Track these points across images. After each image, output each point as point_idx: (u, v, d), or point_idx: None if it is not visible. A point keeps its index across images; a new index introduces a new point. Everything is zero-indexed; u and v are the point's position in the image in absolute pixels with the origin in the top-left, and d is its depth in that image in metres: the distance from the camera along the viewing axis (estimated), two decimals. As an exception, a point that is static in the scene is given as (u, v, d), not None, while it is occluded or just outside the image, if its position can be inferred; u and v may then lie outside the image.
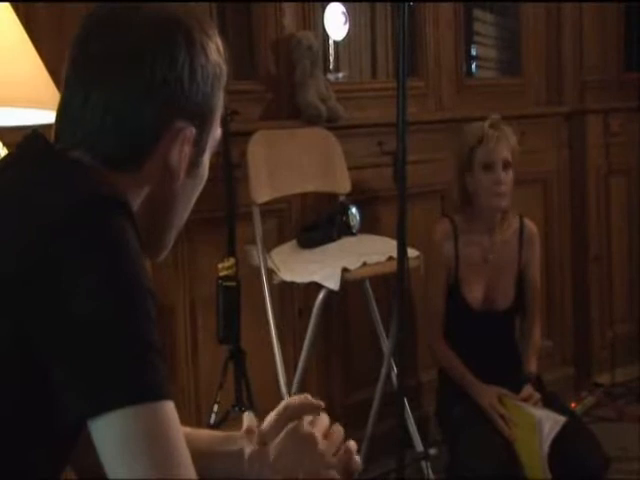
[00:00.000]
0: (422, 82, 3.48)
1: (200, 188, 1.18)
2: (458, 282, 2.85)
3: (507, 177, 2.81)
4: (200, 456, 1.06)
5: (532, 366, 2.86)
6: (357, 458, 1.19)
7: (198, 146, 1.13)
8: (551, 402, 2.73)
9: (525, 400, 2.69)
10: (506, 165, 2.81)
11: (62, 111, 1.10)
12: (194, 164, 1.14)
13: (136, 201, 1.11)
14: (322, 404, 1.18)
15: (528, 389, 2.74)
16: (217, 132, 1.17)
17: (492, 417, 2.67)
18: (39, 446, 1.01)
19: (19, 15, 1.87)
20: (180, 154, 1.10)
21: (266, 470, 1.17)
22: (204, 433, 1.29)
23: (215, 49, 1.12)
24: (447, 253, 2.86)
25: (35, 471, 1.01)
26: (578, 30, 3.86)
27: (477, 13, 3.86)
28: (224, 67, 1.14)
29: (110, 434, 0.93)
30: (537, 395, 2.70)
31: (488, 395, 2.71)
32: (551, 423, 2.57)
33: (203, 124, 1.13)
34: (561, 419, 2.58)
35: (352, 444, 1.18)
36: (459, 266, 2.86)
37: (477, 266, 2.87)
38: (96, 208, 0.98)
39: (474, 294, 2.85)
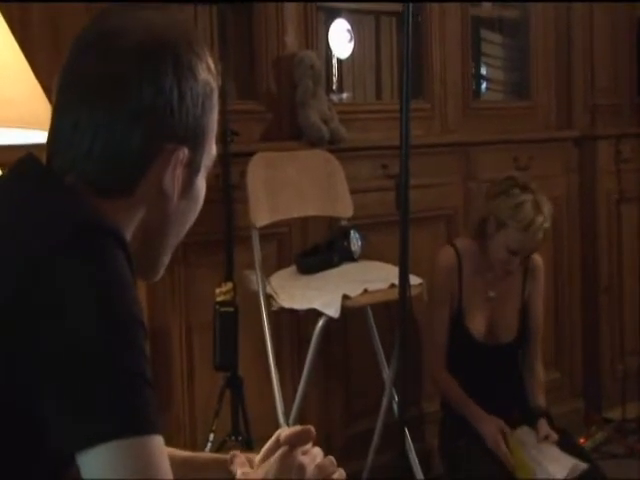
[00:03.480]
0: (428, 104, 3.51)
1: (197, 210, 1.20)
2: (461, 313, 2.89)
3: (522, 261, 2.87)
4: (196, 477, 1.06)
5: (540, 400, 2.88)
6: None
7: (192, 167, 1.14)
8: (562, 441, 2.74)
9: (544, 439, 2.70)
10: (528, 257, 2.89)
11: (53, 134, 1.13)
12: (188, 185, 1.15)
13: (130, 225, 1.13)
14: (314, 433, 1.20)
15: (544, 426, 2.76)
16: (212, 151, 1.18)
17: (495, 449, 2.68)
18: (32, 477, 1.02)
19: (13, 30, 1.90)
20: (173, 176, 1.12)
21: None
22: (202, 457, 1.32)
23: (205, 67, 1.14)
24: (451, 283, 2.89)
25: None
26: (589, 52, 3.90)
27: (485, 33, 3.88)
28: (214, 85, 1.15)
29: (96, 468, 0.94)
30: (554, 435, 2.71)
31: (491, 426, 2.72)
32: (561, 469, 2.60)
33: (196, 145, 1.14)
34: (579, 466, 2.60)
35: (340, 474, 1.19)
36: (462, 297, 2.89)
37: (480, 297, 2.91)
38: (87, 238, 0.99)
39: (477, 326, 2.89)
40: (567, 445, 2.73)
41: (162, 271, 1.21)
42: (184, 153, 1.12)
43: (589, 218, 3.90)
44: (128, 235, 1.11)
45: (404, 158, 2.45)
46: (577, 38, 3.89)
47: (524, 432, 2.78)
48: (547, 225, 2.79)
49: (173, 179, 1.12)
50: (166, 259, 1.20)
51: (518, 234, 2.77)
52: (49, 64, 1.24)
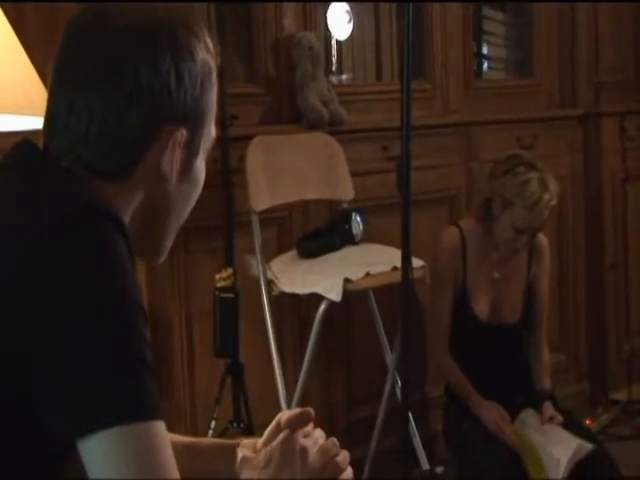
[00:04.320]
0: (429, 84, 3.51)
1: (197, 193, 1.20)
2: (465, 294, 2.89)
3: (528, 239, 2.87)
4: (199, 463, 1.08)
5: (546, 382, 2.90)
6: (349, 471, 1.21)
7: (190, 149, 1.14)
8: (567, 422, 2.76)
9: (548, 421, 2.72)
10: (535, 234, 2.88)
11: (49, 119, 1.13)
12: (187, 168, 1.15)
13: (129, 208, 1.13)
14: (313, 414, 1.21)
15: (549, 408, 2.78)
16: (211, 133, 1.18)
17: (499, 434, 2.70)
18: (32, 465, 1.03)
19: (8, 16, 1.90)
20: (172, 158, 1.12)
21: (253, 474, 1.20)
22: (204, 442, 1.34)
23: (203, 47, 1.14)
24: (455, 264, 2.89)
25: None
26: (593, 29, 3.88)
27: (487, 11, 3.88)
28: (213, 65, 1.15)
29: (98, 455, 0.94)
30: (559, 417, 2.73)
31: (491, 411, 2.74)
32: (566, 450, 2.60)
33: (194, 126, 1.14)
34: (584, 446, 2.61)
35: (343, 456, 1.20)
36: (467, 278, 2.90)
37: (485, 278, 2.91)
38: (85, 222, 1.00)
39: (481, 307, 2.89)
40: (573, 426, 2.75)
41: (165, 254, 1.21)
42: (182, 134, 1.12)
43: (594, 197, 3.90)
44: (127, 218, 1.12)
45: (405, 139, 2.46)
46: (580, 14, 3.87)
47: (529, 415, 2.79)
48: (554, 203, 2.79)
49: (172, 161, 1.12)
50: (168, 243, 1.20)
51: (525, 213, 2.76)
52: (45, 49, 1.25)
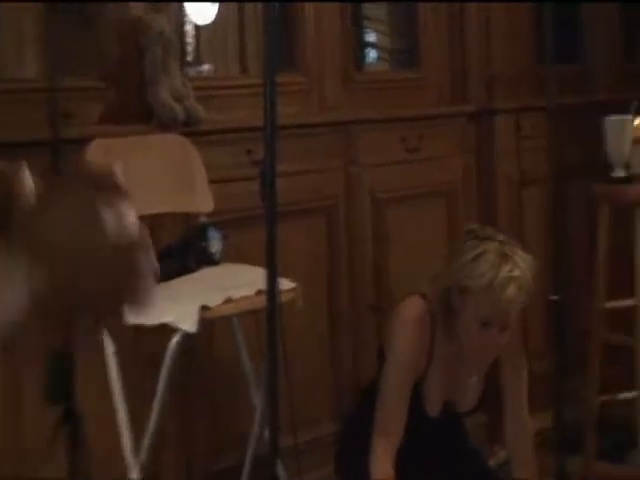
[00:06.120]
0: (302, 77, 3.41)
1: None
2: (419, 393, 2.58)
3: (505, 337, 2.48)
4: None
5: (526, 471, 2.67)
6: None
7: None
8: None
9: None
10: (510, 325, 2.49)
11: None
12: None
13: None
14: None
15: None
16: None
17: None
18: None
19: None
20: None
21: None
22: None
23: None
24: (421, 347, 2.55)
25: None
26: (484, 16, 3.82)
27: None
28: None
29: None
30: None
31: None
32: None
33: None
34: None
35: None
36: (427, 373, 2.58)
37: (446, 373, 2.60)
38: None
39: (433, 405, 2.61)
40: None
41: None
42: None
43: (488, 203, 3.84)
44: None
45: (269, 140, 2.36)
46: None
47: None
48: (517, 274, 2.41)
49: None
50: None
51: (483, 296, 2.41)
52: None
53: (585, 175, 3.68)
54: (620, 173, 3.39)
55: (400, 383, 2.55)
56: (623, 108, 3.41)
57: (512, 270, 2.39)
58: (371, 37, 3.89)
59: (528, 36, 3.93)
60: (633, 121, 3.39)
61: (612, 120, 3.38)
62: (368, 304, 3.39)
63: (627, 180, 3.38)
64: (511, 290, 2.39)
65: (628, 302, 3.42)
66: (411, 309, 2.58)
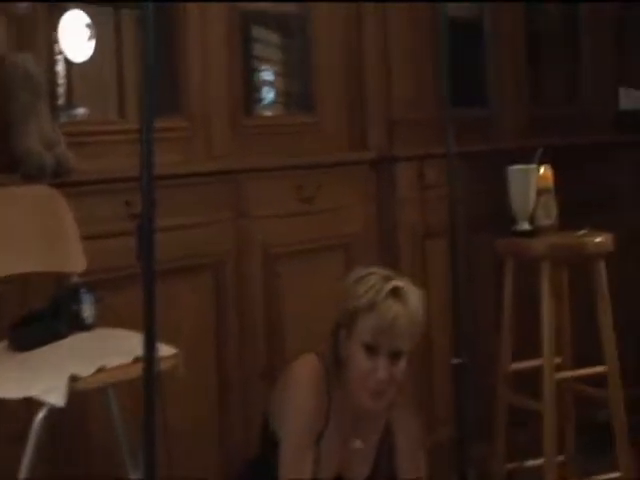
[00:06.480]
0: (186, 121, 3.41)
1: None
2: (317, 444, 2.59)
3: (395, 370, 2.53)
4: None
5: None
6: None
7: None
8: None
9: None
10: (398, 355, 2.53)
11: None
12: None
13: None
14: None
15: None
16: None
17: None
18: None
19: None
20: None
21: None
22: None
23: None
24: (319, 413, 2.57)
25: None
26: (383, 57, 3.88)
27: (258, 32, 3.88)
28: None
29: None
30: None
31: None
32: None
33: None
34: None
35: None
36: (327, 425, 2.59)
37: (342, 427, 2.62)
38: None
39: (327, 462, 2.61)
40: None
41: None
42: None
43: (390, 256, 3.86)
44: None
45: (146, 190, 2.26)
46: (370, 41, 3.87)
47: None
48: (403, 294, 2.54)
49: None
50: None
51: (367, 316, 2.50)
52: None
53: (491, 227, 3.73)
54: (524, 226, 3.46)
55: (301, 447, 2.56)
56: (529, 156, 3.49)
57: (397, 289, 2.51)
58: (262, 79, 3.90)
59: (433, 76, 3.97)
60: (538, 170, 3.44)
61: (515, 170, 3.45)
62: (260, 372, 3.35)
63: (530, 234, 3.45)
64: (396, 308, 2.50)
65: (534, 362, 3.46)
66: (304, 367, 2.61)
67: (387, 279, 2.55)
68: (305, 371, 2.61)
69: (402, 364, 2.54)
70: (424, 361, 3.84)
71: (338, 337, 2.58)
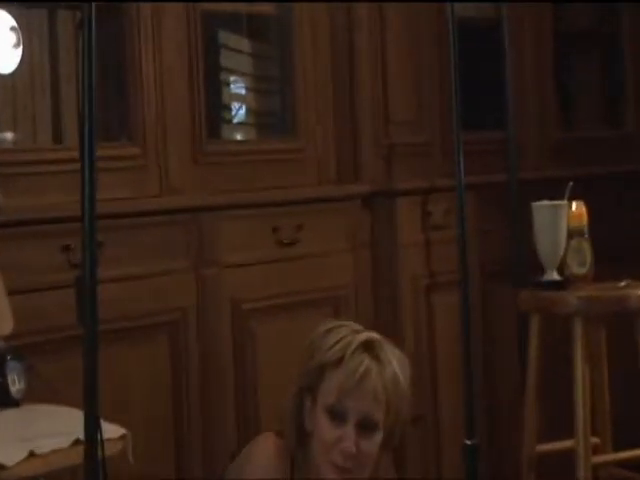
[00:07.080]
0: (137, 149, 3.42)
1: None
2: None
3: (365, 444, 2.53)
4: None
5: None
6: None
7: None
8: None
9: None
10: (369, 425, 2.54)
11: None
12: None
13: None
14: None
15: None
16: None
17: None
18: None
19: None
20: None
21: None
22: None
23: None
24: None
25: None
26: (378, 70, 3.92)
27: (226, 38, 3.89)
28: None
29: None
30: None
31: None
32: None
33: None
34: None
35: None
36: None
37: None
38: None
39: None
40: None
41: None
42: None
43: (388, 315, 3.88)
44: None
45: (88, 234, 2.22)
46: (362, 48, 3.91)
47: None
48: (376, 350, 2.54)
49: None
50: None
51: (334, 376, 2.52)
52: None
53: (512, 276, 3.75)
54: (553, 276, 3.46)
55: None
56: (558, 189, 3.49)
57: (370, 343, 2.53)
58: (231, 96, 3.94)
59: (437, 96, 4.03)
60: (569, 207, 3.45)
61: (541, 206, 3.45)
62: (230, 455, 3.35)
63: (560, 285, 3.46)
64: (367, 364, 2.50)
65: (565, 444, 3.46)
66: (259, 448, 2.65)
67: (359, 332, 2.57)
68: (260, 452, 2.65)
69: (376, 439, 2.54)
70: (430, 441, 3.89)
71: (302, 406, 2.59)
